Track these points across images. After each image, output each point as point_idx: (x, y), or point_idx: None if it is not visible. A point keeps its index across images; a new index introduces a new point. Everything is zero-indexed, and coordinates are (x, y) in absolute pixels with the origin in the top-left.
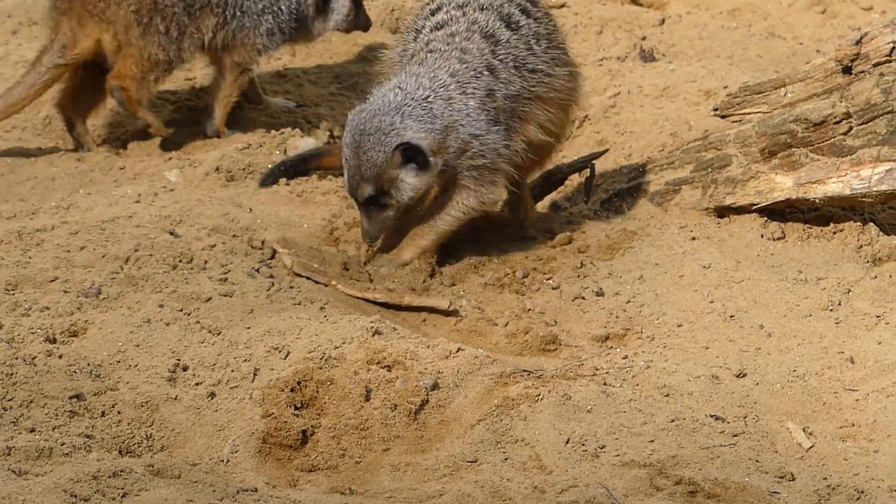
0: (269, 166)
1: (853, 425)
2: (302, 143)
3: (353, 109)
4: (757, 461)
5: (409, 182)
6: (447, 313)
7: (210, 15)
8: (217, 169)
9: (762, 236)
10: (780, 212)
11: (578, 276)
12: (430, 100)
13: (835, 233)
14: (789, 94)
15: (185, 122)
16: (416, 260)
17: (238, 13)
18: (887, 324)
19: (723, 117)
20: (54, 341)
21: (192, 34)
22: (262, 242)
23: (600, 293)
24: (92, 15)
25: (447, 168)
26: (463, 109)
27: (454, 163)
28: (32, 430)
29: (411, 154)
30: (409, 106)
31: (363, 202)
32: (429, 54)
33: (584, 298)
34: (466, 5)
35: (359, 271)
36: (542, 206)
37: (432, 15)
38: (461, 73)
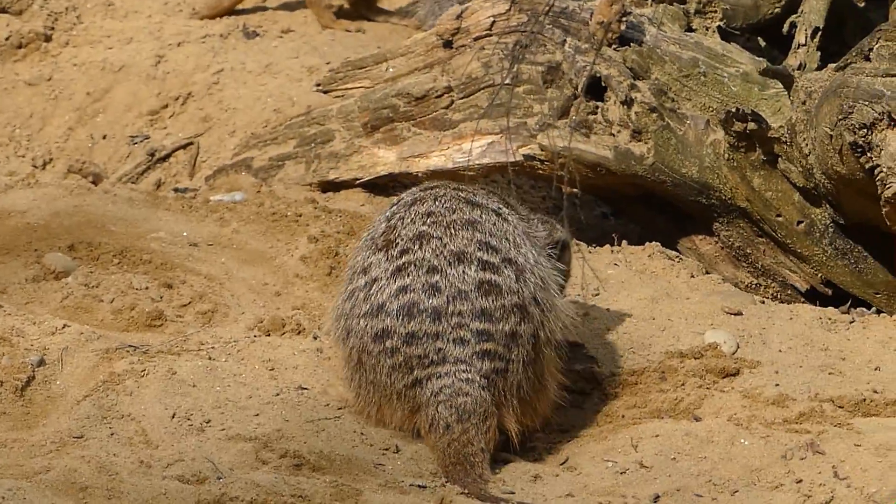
0: None
1: None
2: None
3: None
4: (362, 434)
5: None
6: None
7: None
8: None
9: None
10: (384, 186)
11: None
12: None
13: None
14: (391, 69)
15: None
16: None
17: None
18: None
19: (325, 93)
20: None
21: None
22: None
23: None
24: None
25: None
26: None
27: None
28: None
29: None
30: None
31: None
32: None
33: None
34: None
35: None
36: (148, 183)
37: None
38: None
